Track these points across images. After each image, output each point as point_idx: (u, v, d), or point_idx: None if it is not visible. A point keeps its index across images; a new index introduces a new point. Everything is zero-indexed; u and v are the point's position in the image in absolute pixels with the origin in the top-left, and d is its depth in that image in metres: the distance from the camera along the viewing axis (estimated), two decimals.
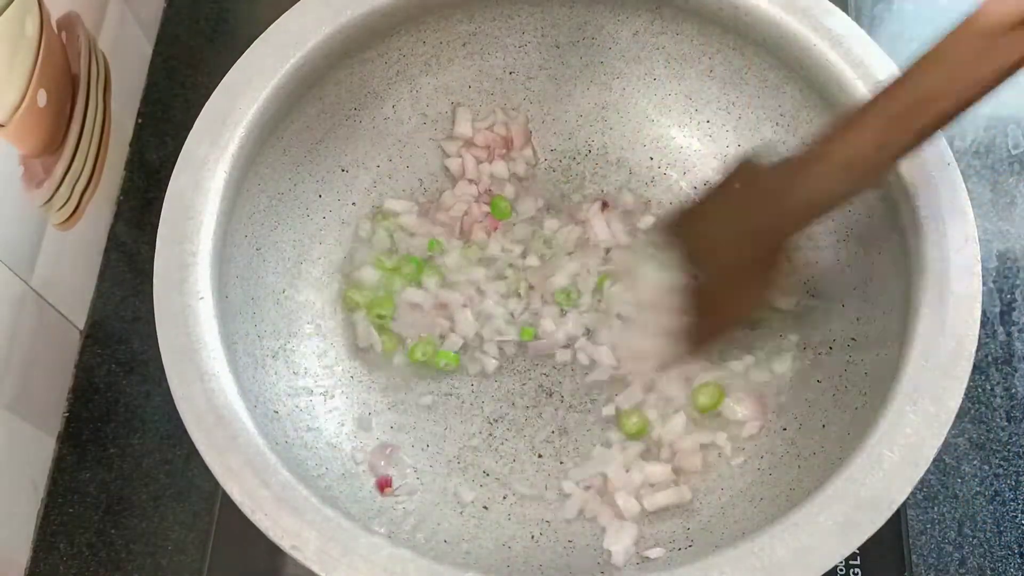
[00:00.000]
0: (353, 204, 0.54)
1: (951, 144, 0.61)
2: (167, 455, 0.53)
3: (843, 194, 0.42)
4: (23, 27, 0.48)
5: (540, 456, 0.50)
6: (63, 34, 0.53)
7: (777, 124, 0.52)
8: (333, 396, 0.50)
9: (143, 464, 0.53)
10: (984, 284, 0.57)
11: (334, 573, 0.37)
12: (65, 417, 0.54)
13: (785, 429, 0.48)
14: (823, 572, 0.36)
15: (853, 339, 0.48)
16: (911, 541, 0.51)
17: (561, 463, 0.49)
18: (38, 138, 0.51)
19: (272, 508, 0.38)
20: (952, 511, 0.52)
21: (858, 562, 0.50)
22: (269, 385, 0.46)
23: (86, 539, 0.52)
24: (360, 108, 0.53)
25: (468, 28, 0.53)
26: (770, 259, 0.45)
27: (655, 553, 0.45)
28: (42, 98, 0.50)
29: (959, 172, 0.44)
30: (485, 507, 0.48)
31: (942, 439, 0.39)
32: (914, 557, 0.51)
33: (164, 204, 0.43)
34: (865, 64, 0.46)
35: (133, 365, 0.56)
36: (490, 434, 0.50)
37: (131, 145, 0.62)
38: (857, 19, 0.61)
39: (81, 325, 0.57)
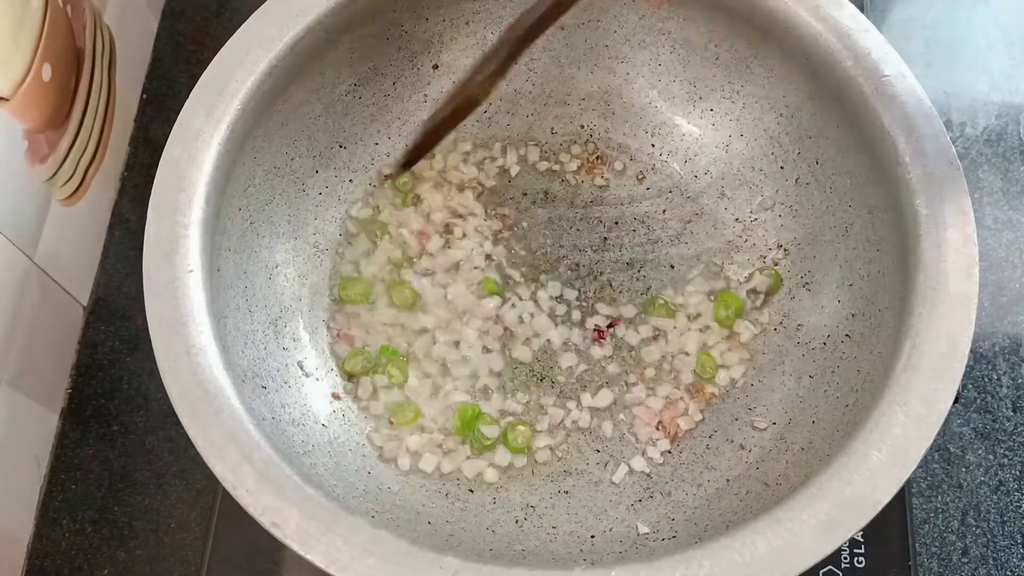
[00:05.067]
0: (350, 181, 0.54)
1: (962, 131, 0.61)
2: (170, 432, 0.53)
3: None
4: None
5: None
6: (68, 7, 0.52)
7: (781, 115, 0.51)
8: (323, 372, 0.50)
9: (146, 441, 0.53)
10: (992, 273, 0.57)
11: (313, 552, 0.36)
12: (68, 393, 0.54)
13: (775, 423, 0.48)
14: (803, 570, 0.36)
15: (848, 335, 0.47)
16: (915, 530, 0.51)
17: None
18: (42, 112, 0.50)
19: (254, 484, 0.37)
20: (956, 500, 0.52)
21: (862, 550, 0.49)
22: (258, 360, 0.46)
23: (89, 516, 0.51)
24: (360, 84, 0.52)
25: (472, 6, 0.53)
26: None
27: (643, 528, 0.45)
28: (47, 72, 0.50)
29: (963, 172, 0.43)
30: (471, 490, 0.48)
31: (931, 441, 0.38)
32: (917, 546, 0.51)
33: (156, 175, 0.43)
34: (872, 57, 0.46)
35: (137, 342, 0.55)
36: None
37: (136, 121, 0.62)
38: (865, 11, 0.61)
39: (85, 301, 0.56)
